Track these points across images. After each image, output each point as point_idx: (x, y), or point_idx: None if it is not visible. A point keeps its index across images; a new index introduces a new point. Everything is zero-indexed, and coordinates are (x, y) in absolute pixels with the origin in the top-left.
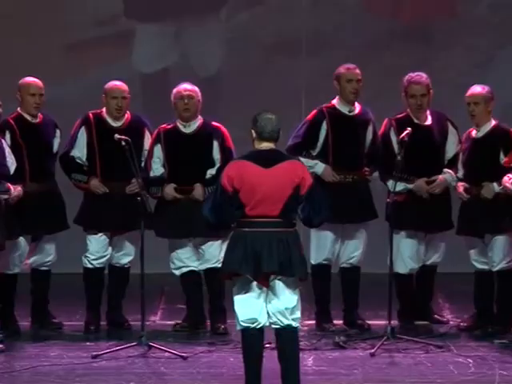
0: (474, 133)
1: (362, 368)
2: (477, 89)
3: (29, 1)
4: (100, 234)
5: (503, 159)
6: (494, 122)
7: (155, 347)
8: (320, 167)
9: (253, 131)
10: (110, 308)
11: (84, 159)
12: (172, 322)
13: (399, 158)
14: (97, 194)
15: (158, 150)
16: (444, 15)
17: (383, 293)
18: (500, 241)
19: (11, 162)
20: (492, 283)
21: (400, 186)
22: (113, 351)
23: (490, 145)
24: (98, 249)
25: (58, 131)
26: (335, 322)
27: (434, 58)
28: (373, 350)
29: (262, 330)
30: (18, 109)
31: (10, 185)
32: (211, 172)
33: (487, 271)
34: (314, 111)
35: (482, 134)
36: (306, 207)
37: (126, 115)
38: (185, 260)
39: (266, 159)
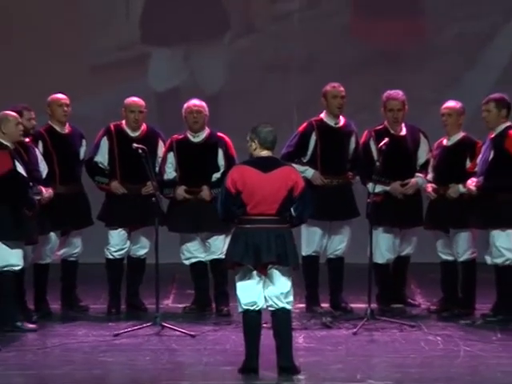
0: (445, 141)
1: (345, 345)
2: (451, 103)
3: (60, 28)
4: (120, 229)
5: (468, 165)
6: (463, 134)
7: (168, 327)
8: (310, 172)
9: (255, 141)
10: (128, 293)
11: (106, 164)
12: (182, 305)
13: (378, 164)
14: (117, 195)
15: (171, 157)
16: (415, 41)
17: (364, 280)
18: (463, 235)
19: (43, 168)
20: (456, 271)
21: (378, 188)
22: (131, 330)
23: (459, 152)
24: (118, 242)
25: (83, 141)
26: (323, 305)
27: (406, 78)
28: (355, 330)
29: (260, 311)
30: (49, 121)
31: (41, 187)
32: (216, 176)
33: (451, 261)
34: (305, 124)
35: (452, 142)
36: (298, 206)
37: (143, 127)
38: (193, 252)
39: (265, 165)
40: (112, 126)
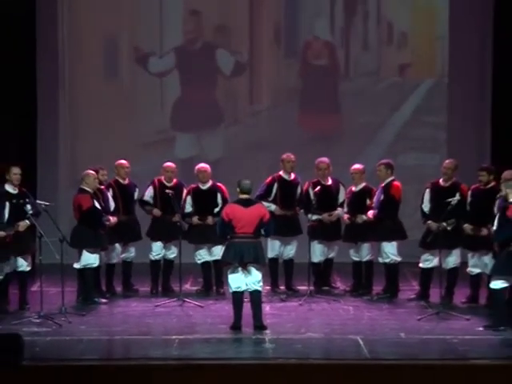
0: (353, 188)
1: (294, 312)
2: (357, 165)
3: (115, 115)
4: (158, 242)
5: (368, 202)
6: (364, 183)
7: (187, 301)
8: (273, 207)
9: (238, 188)
10: (163, 280)
11: (151, 201)
12: (195, 288)
13: (314, 202)
14: (157, 221)
15: (189, 198)
16: (336, 128)
17: (306, 272)
18: (366, 245)
19: (111, 204)
20: (361, 267)
21: (314, 217)
22: (165, 303)
23: (362, 195)
24: (157, 250)
25: (136, 189)
26: (281, 288)
27: (331, 151)
28: (300, 302)
29: (242, 292)
30: (116, 177)
31: (110, 217)
32: (216, 210)
33: (358, 261)
34: (270, 178)
35: (358, 189)
36: (266, 228)
37: (174, 180)
38: (203, 255)
39: (245, 203)
40: (155, 180)
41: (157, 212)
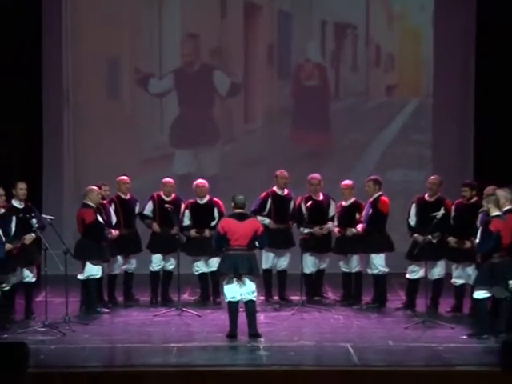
0: (343, 203)
1: (287, 321)
2: (347, 181)
3: (117, 133)
4: (158, 254)
5: (357, 217)
6: (354, 198)
7: (185, 310)
8: (267, 221)
9: (233, 203)
10: (163, 291)
11: (151, 215)
12: (193, 298)
13: (306, 216)
14: (156, 234)
15: (187, 212)
16: (326, 145)
17: (298, 283)
18: (355, 257)
19: (113, 218)
20: (351, 278)
21: (306, 230)
22: (164, 312)
23: (352, 209)
24: (157, 261)
25: (137, 203)
26: (275, 298)
27: (322, 167)
28: (293, 312)
29: (238, 302)
30: (117, 192)
31: (112, 230)
32: (213, 223)
33: (348, 272)
34: (264, 193)
35: (348, 204)
36: (260, 241)
37: (172, 195)
38: (200, 267)
39: (240, 217)
40: (155, 194)
41: (156, 227)
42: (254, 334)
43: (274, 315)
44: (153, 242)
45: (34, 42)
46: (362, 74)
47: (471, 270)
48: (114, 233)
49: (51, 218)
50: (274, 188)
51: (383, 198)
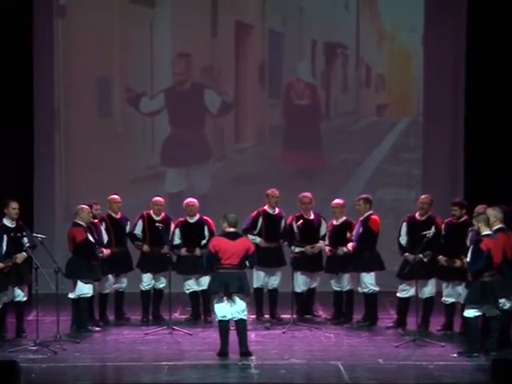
0: (334, 222)
1: (278, 339)
2: (338, 200)
3: (108, 152)
4: (148, 273)
5: (348, 235)
6: (345, 217)
7: (176, 329)
8: (258, 240)
9: (225, 222)
10: (153, 309)
11: (141, 234)
12: (184, 316)
13: (297, 235)
14: (146, 253)
15: (178, 231)
16: (317, 165)
17: (289, 301)
18: (346, 276)
19: (105, 237)
20: (342, 296)
21: (297, 249)
22: (155, 331)
23: (343, 228)
24: (147, 280)
25: (128, 222)
26: (265, 316)
27: (313, 186)
28: (284, 330)
29: (228, 321)
30: (108, 211)
31: (103, 249)
32: (203, 242)
33: (339, 291)
34: (255, 212)
35: (339, 222)
36: (250, 260)
37: (162, 214)
38: (191, 285)
39: (231, 236)
40: (144, 213)
41: (146, 248)
42: (245, 353)
43: (265, 333)
44: (143, 261)
45: (26, 61)
46: (353, 93)
47: (461, 289)
48: (106, 252)
49: (42, 236)
50: (265, 207)
51: (374, 216)
